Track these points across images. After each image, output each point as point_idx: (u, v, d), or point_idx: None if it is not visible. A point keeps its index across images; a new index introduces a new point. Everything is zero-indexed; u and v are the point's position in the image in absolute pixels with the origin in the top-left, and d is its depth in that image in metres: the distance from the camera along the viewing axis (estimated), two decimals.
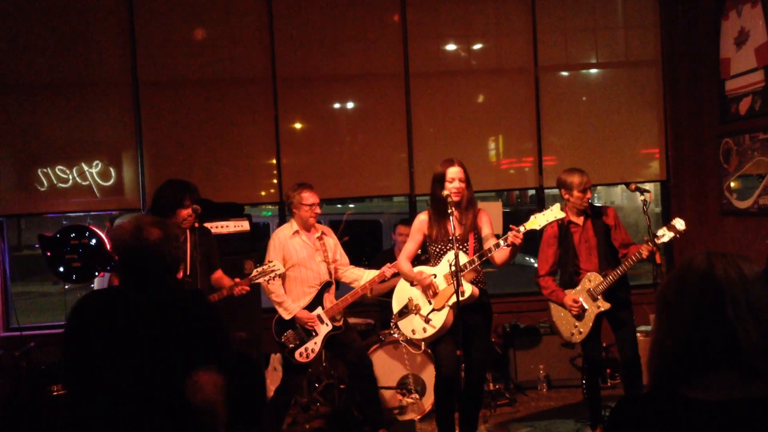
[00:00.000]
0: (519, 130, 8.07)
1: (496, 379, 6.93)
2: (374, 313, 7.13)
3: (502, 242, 4.87)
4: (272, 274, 5.42)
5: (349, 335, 5.92)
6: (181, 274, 3.11)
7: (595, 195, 20.74)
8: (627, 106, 8.16)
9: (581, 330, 5.63)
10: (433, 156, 7.82)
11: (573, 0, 8.12)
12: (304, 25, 7.81)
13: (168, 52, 7.67)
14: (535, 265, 5.97)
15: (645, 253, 5.30)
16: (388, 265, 5.92)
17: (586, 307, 5.58)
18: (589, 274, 5.61)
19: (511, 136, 8.12)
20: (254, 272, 5.46)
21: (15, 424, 6.13)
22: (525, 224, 4.89)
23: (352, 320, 6.43)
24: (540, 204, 8.14)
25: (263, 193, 7.91)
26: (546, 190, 8.09)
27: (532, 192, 8.69)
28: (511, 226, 4.88)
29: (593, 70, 8.25)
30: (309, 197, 5.82)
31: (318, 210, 5.87)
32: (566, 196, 5.68)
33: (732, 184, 7.36)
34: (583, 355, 6.29)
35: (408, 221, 7.41)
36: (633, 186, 5.49)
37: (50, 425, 6.04)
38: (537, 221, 4.88)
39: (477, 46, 8.09)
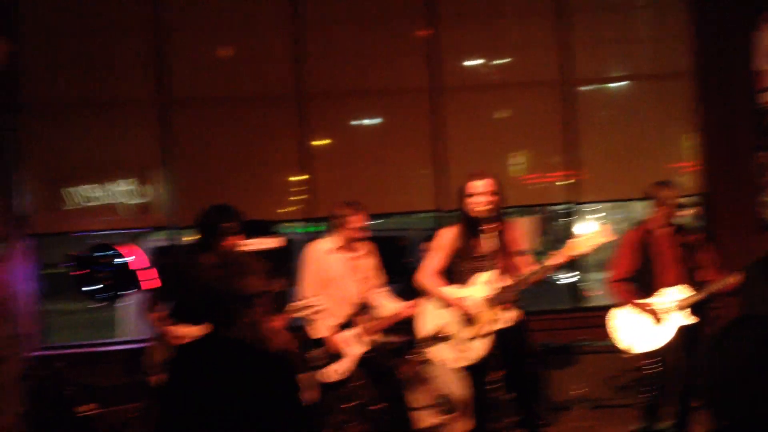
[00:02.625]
0: (549, 144, 7.95)
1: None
2: (405, 331, 6.98)
3: (539, 268, 4.70)
4: (308, 311, 5.26)
5: (380, 354, 5.80)
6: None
7: (619, 210, 20.53)
8: (659, 118, 8.01)
9: (656, 340, 5.46)
10: (461, 171, 7.65)
11: (603, 12, 8.02)
12: (331, 41, 7.76)
13: (195, 70, 7.64)
14: (565, 281, 5.85)
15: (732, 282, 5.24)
16: (407, 304, 5.66)
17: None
18: (673, 288, 5.46)
19: (541, 150, 7.99)
20: (292, 307, 5.29)
21: None
22: (567, 249, 4.68)
23: (383, 338, 6.29)
24: (573, 219, 7.99)
25: (291, 209, 7.82)
26: (581, 205, 7.95)
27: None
28: (550, 253, 4.72)
29: (624, 83, 8.13)
30: (356, 221, 5.66)
31: (362, 234, 5.71)
32: (656, 208, 5.52)
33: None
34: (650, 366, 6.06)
35: (431, 237, 7.27)
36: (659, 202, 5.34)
37: None
38: (579, 246, 4.66)
39: (506, 60, 8.00)
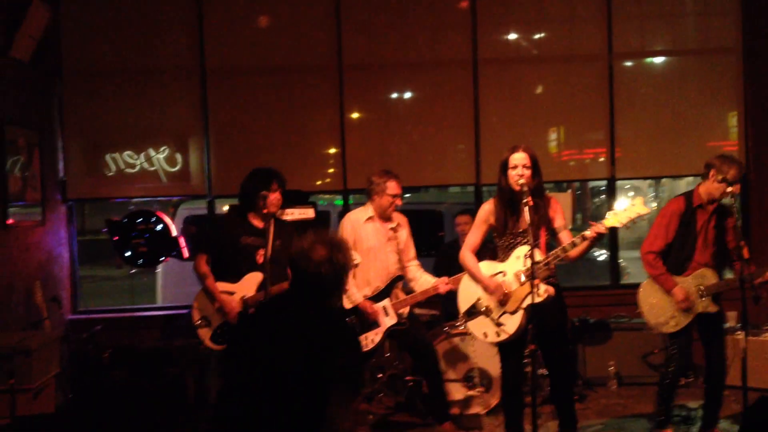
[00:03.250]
0: (591, 119, 7.84)
1: None
2: (438, 304, 6.99)
3: (578, 240, 4.65)
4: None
5: (415, 327, 5.81)
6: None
7: (660, 187, 20.25)
8: (706, 95, 7.87)
9: (677, 322, 5.28)
10: (501, 145, 7.53)
11: None
12: (371, 12, 7.71)
13: (235, 39, 7.64)
14: (602, 257, 5.76)
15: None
16: (445, 280, 5.66)
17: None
18: (704, 269, 5.27)
19: (583, 125, 7.89)
20: None
21: (80, 407, 6.17)
22: (605, 221, 4.58)
23: (417, 311, 6.30)
24: (611, 195, 7.91)
25: (327, 181, 7.83)
26: (618, 181, 7.84)
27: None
28: (590, 222, 4.66)
29: (669, 58, 7.97)
30: (394, 187, 5.69)
31: (399, 202, 5.74)
32: (712, 178, 5.20)
33: None
34: (666, 348, 5.96)
35: (468, 211, 7.25)
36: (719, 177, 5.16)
37: (114, 410, 6.06)
38: (618, 218, 4.55)
39: (548, 33, 7.89)
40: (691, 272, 5.28)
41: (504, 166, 4.86)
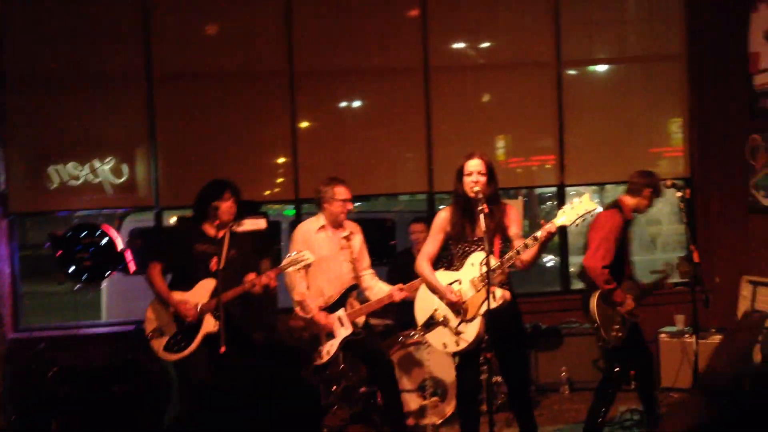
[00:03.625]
0: (540, 126, 7.89)
1: None
2: (392, 313, 6.94)
3: (530, 242, 4.64)
4: (303, 263, 5.29)
5: (370, 336, 5.75)
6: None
7: (605, 194, 20.49)
8: (651, 101, 7.98)
9: (624, 332, 5.39)
10: (453, 152, 7.60)
11: None
12: (322, 19, 7.64)
13: (183, 46, 7.50)
14: (551, 263, 5.81)
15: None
16: (400, 287, 5.62)
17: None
18: (627, 281, 5.45)
19: (532, 132, 7.94)
20: (284, 261, 5.34)
21: (24, 429, 5.97)
22: (555, 220, 4.58)
23: (371, 321, 6.24)
24: (560, 201, 7.95)
25: (279, 190, 7.72)
26: (567, 188, 7.89)
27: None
28: (541, 221, 4.66)
29: (616, 65, 8.06)
30: (343, 192, 5.64)
31: (350, 206, 5.70)
32: (635, 196, 5.46)
33: (759, 181, 7.17)
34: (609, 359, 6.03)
35: (422, 219, 7.22)
36: (669, 182, 5.27)
37: (62, 427, 5.88)
38: (567, 216, 4.55)
39: (498, 41, 7.91)
40: (624, 283, 5.43)
41: (460, 173, 4.84)
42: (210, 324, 5.13)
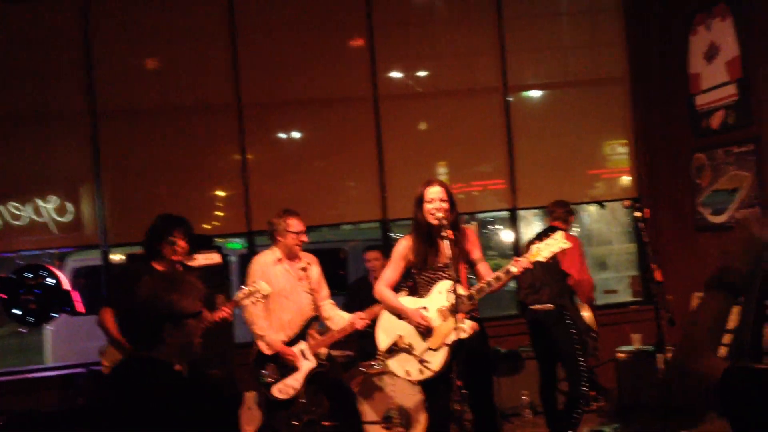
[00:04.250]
0: (491, 150, 7.95)
1: None
2: (353, 344, 6.84)
3: (502, 275, 4.59)
4: (258, 295, 5.15)
5: (333, 368, 5.65)
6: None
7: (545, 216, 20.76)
8: (598, 123, 8.11)
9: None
10: (406, 179, 7.64)
11: (540, 19, 8.07)
12: (269, 50, 7.58)
13: (127, 81, 7.36)
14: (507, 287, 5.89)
15: None
16: (361, 315, 5.54)
17: None
18: None
19: (483, 156, 7.99)
20: (239, 294, 5.20)
21: None
22: (529, 256, 4.57)
23: (332, 352, 6.13)
24: (514, 225, 8.00)
25: (229, 224, 7.58)
26: (519, 211, 7.94)
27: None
28: (515, 258, 4.64)
29: (562, 89, 8.16)
30: (295, 224, 5.54)
31: (304, 238, 5.59)
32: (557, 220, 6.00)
33: (706, 199, 7.32)
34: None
35: (377, 247, 7.17)
36: (627, 202, 5.37)
37: None
38: (543, 253, 4.55)
39: (445, 68, 7.94)
40: None
41: (420, 201, 4.79)
42: None
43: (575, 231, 5.10)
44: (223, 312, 5.09)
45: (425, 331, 4.75)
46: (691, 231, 7.57)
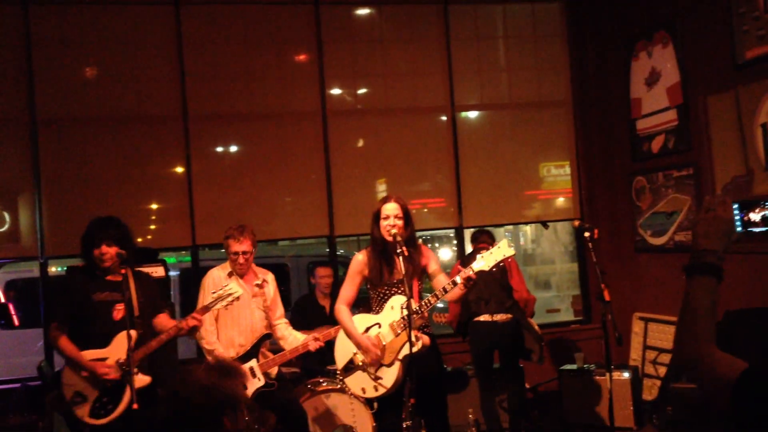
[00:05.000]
0: (438, 168, 8.01)
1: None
2: (298, 360, 6.77)
3: (449, 287, 4.64)
4: (230, 299, 4.99)
5: (283, 386, 5.57)
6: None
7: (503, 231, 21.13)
8: (541, 145, 8.25)
9: None
10: (353, 195, 7.64)
11: (487, 41, 8.19)
12: (216, 61, 7.49)
13: (69, 89, 7.15)
14: (442, 305, 6.02)
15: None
16: (314, 336, 5.44)
17: None
18: None
19: (430, 174, 8.04)
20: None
21: None
22: (473, 265, 4.62)
23: (283, 369, 6.06)
24: (459, 243, 8.07)
25: (174, 237, 7.42)
26: (465, 230, 8.01)
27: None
28: (459, 267, 4.69)
29: (508, 110, 8.28)
30: (233, 244, 5.40)
31: (242, 259, 5.42)
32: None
33: (645, 221, 7.51)
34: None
35: (327, 263, 7.14)
36: (576, 222, 5.50)
37: None
38: (486, 261, 4.61)
39: (394, 85, 7.97)
40: None
41: (376, 217, 4.81)
42: (138, 379, 4.70)
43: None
44: (194, 320, 4.88)
45: (376, 356, 4.76)
46: (630, 252, 7.76)
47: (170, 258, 9.64)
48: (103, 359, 4.70)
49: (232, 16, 7.58)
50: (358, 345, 4.83)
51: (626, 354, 7.45)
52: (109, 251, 4.76)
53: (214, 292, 5.08)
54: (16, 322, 6.70)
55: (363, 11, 7.98)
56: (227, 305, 5.06)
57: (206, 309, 5.02)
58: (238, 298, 5.06)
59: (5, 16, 7.07)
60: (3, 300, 6.75)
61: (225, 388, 2.62)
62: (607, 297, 5.10)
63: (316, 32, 7.69)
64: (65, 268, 7.00)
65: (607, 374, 5.37)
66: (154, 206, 7.40)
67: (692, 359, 1.90)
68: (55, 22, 7.19)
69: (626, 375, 6.75)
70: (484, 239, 6.54)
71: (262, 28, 7.65)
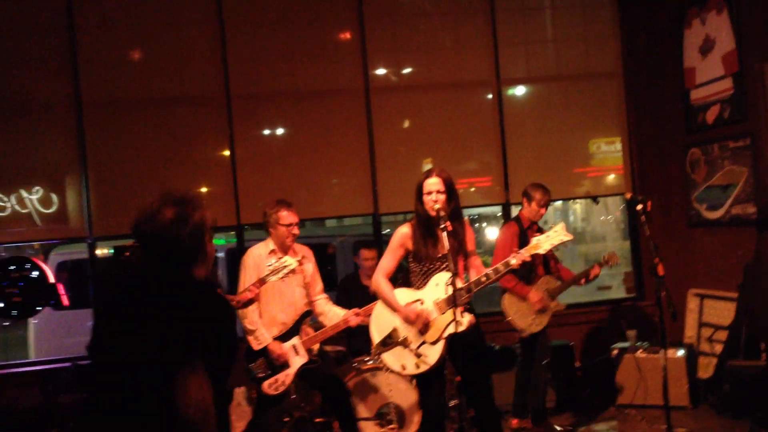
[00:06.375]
0: (483, 144, 7.85)
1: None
2: (344, 339, 6.73)
3: (501, 268, 4.52)
4: (285, 270, 5.07)
5: (326, 364, 5.53)
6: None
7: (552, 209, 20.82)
8: (590, 118, 8.03)
9: (539, 322, 6.08)
10: (397, 173, 7.53)
11: (533, 12, 8.00)
12: (258, 41, 7.44)
13: (114, 70, 7.18)
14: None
15: (594, 273, 6.11)
16: (355, 311, 5.44)
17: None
18: (546, 276, 6.09)
19: (476, 150, 7.89)
20: (267, 271, 5.11)
21: None
22: (529, 248, 4.54)
23: (326, 346, 6.01)
24: (506, 221, 7.92)
25: (218, 217, 7.41)
26: (512, 206, 7.86)
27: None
28: (514, 249, 4.57)
29: (555, 83, 8.07)
30: (287, 216, 5.41)
31: (296, 231, 5.45)
32: (525, 206, 6.21)
33: (701, 195, 7.26)
34: (522, 345, 6.36)
35: (371, 244, 7.05)
36: (629, 195, 5.36)
37: None
38: (541, 244, 4.53)
39: (437, 60, 7.81)
40: (536, 281, 6.10)
41: (419, 192, 4.70)
42: None
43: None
44: (250, 293, 5.07)
45: (422, 326, 4.64)
46: (684, 227, 7.52)
47: (220, 240, 9.69)
48: None
49: None
50: (406, 317, 4.71)
51: (681, 331, 7.24)
52: None
53: (269, 265, 5.11)
54: (66, 302, 6.76)
55: None
56: (283, 277, 5.11)
57: (262, 282, 5.08)
58: (294, 271, 5.08)
59: (50, 1, 7.10)
60: (53, 280, 6.80)
61: (198, 216, 2.66)
62: (660, 271, 4.94)
63: (357, 8, 7.58)
64: (112, 250, 7.05)
65: (662, 351, 5.20)
66: (198, 187, 7.39)
67: None
68: (98, 3, 7.21)
69: (681, 353, 6.58)
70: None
71: (303, 6, 7.58)
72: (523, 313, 6.10)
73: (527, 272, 6.06)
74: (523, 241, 5.59)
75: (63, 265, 8.73)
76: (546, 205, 6.16)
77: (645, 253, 7.73)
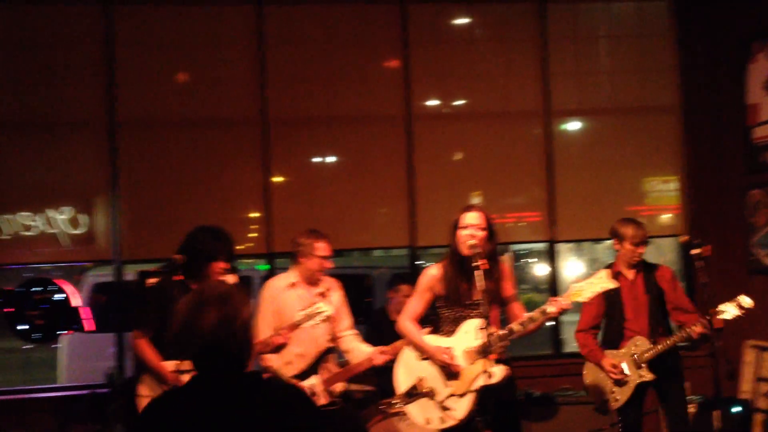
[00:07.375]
0: (529, 178, 7.49)
1: None
2: (372, 378, 6.37)
3: (537, 315, 4.17)
4: (319, 318, 4.81)
5: (345, 407, 5.20)
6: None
7: (582, 250, 20.17)
8: (645, 154, 7.65)
9: (618, 397, 5.10)
10: (437, 205, 7.21)
11: (587, 41, 7.68)
12: (298, 64, 7.22)
13: (149, 91, 7.02)
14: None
15: (697, 331, 4.82)
16: (381, 349, 5.12)
17: (627, 373, 5.01)
18: (636, 338, 5.07)
19: (521, 184, 7.54)
20: (300, 316, 4.86)
21: None
22: (570, 294, 4.20)
23: (350, 386, 5.67)
24: (551, 259, 7.51)
25: (250, 245, 7.18)
26: (557, 244, 7.46)
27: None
28: (551, 298, 4.22)
29: (608, 116, 7.70)
30: (323, 248, 5.13)
31: (328, 264, 5.17)
32: (617, 247, 5.23)
33: (761, 240, 6.79)
34: (619, 425, 5.55)
35: (409, 277, 6.71)
36: (684, 238, 4.92)
37: None
38: (583, 292, 4.18)
39: (484, 89, 7.51)
40: (626, 342, 5.12)
41: (455, 227, 4.36)
42: None
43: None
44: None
45: (450, 374, 4.28)
46: (742, 273, 7.05)
47: (263, 265, 9.45)
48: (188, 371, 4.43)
49: (315, 16, 7.31)
50: (430, 354, 4.38)
51: (736, 385, 6.74)
52: (226, 266, 4.61)
53: (302, 311, 4.86)
54: (88, 327, 6.56)
55: (452, 10, 7.55)
56: (315, 325, 4.90)
57: (294, 326, 4.78)
58: (329, 318, 4.84)
59: (87, 17, 6.99)
60: (77, 303, 6.61)
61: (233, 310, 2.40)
62: (717, 324, 4.50)
63: (402, 33, 7.32)
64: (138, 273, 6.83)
65: (717, 410, 4.78)
66: (231, 212, 7.15)
67: None
68: (137, 22, 7.08)
69: (737, 409, 6.12)
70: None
71: (346, 28, 7.36)
72: (601, 386, 5.20)
73: (615, 330, 5.18)
74: (613, 292, 4.88)
75: (100, 287, 8.56)
76: (642, 243, 5.17)
77: (700, 300, 7.25)
